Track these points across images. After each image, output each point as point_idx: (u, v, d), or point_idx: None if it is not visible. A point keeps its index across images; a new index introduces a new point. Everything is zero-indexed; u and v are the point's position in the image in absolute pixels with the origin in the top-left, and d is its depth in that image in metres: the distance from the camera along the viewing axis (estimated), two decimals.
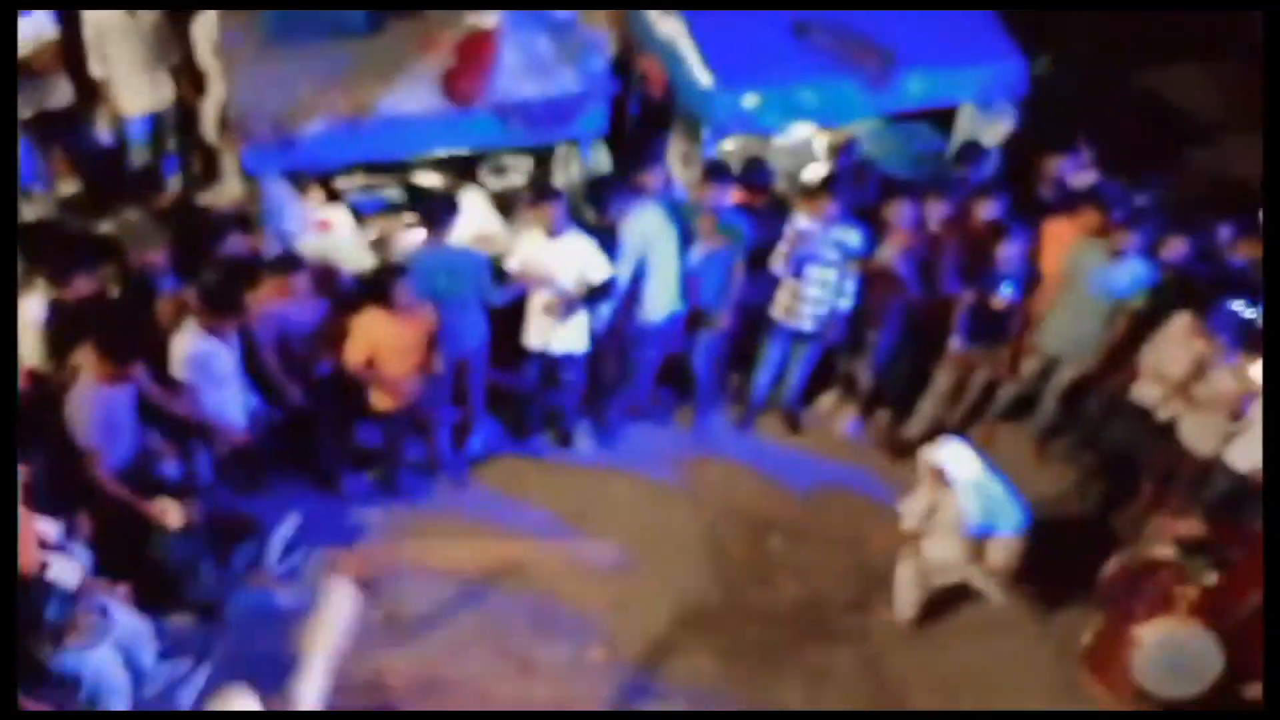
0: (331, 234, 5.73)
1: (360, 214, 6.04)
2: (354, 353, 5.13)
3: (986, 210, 5.64)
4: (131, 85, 6.36)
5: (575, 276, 5.45)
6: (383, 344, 5.13)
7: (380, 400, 5.37)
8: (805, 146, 6.62)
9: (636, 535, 5.65)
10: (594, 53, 5.69)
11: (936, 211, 5.66)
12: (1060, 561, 5.56)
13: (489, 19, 5.55)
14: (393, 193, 6.20)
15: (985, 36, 6.31)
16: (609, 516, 5.78)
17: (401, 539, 5.56)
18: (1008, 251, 5.50)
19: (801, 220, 5.67)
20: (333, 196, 6.01)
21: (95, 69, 6.24)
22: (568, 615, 5.28)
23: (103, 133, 6.67)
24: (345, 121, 5.42)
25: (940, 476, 4.90)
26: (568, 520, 5.74)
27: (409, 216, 6.03)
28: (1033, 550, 5.57)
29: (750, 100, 5.81)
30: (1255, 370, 4.98)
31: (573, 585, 5.40)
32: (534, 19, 5.88)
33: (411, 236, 5.83)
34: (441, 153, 6.06)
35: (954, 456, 4.92)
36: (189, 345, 4.77)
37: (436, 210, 5.39)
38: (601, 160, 6.19)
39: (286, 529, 5.31)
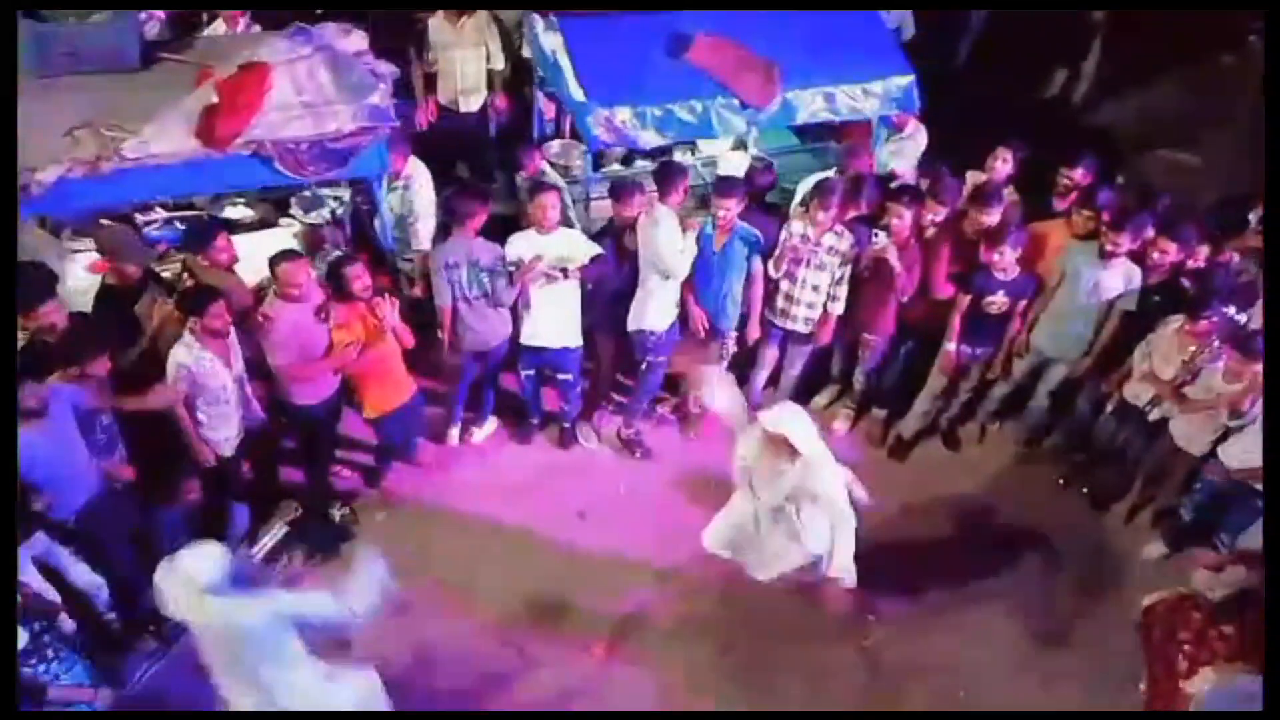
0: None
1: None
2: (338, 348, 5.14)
3: (985, 216, 5.69)
4: None
5: (566, 264, 5.56)
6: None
7: (373, 403, 5.45)
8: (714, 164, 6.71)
9: (636, 532, 5.73)
10: (374, 90, 5.28)
11: (932, 214, 5.72)
12: (1048, 558, 5.76)
13: (266, 52, 5.32)
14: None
15: (877, 52, 6.27)
16: (609, 513, 5.87)
17: (403, 533, 5.66)
18: (1003, 257, 5.56)
19: (795, 225, 5.77)
20: None
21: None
22: (570, 610, 5.36)
23: None
24: (86, 166, 4.78)
25: (787, 445, 4.47)
26: (569, 517, 5.82)
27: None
28: (1021, 547, 5.80)
29: (623, 115, 5.75)
30: (1247, 370, 5.06)
31: (574, 581, 5.47)
32: (320, 53, 5.43)
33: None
34: (200, 196, 5.89)
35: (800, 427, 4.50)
36: (181, 356, 4.73)
37: (193, 235, 5.31)
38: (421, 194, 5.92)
39: (277, 524, 5.35)
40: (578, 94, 5.86)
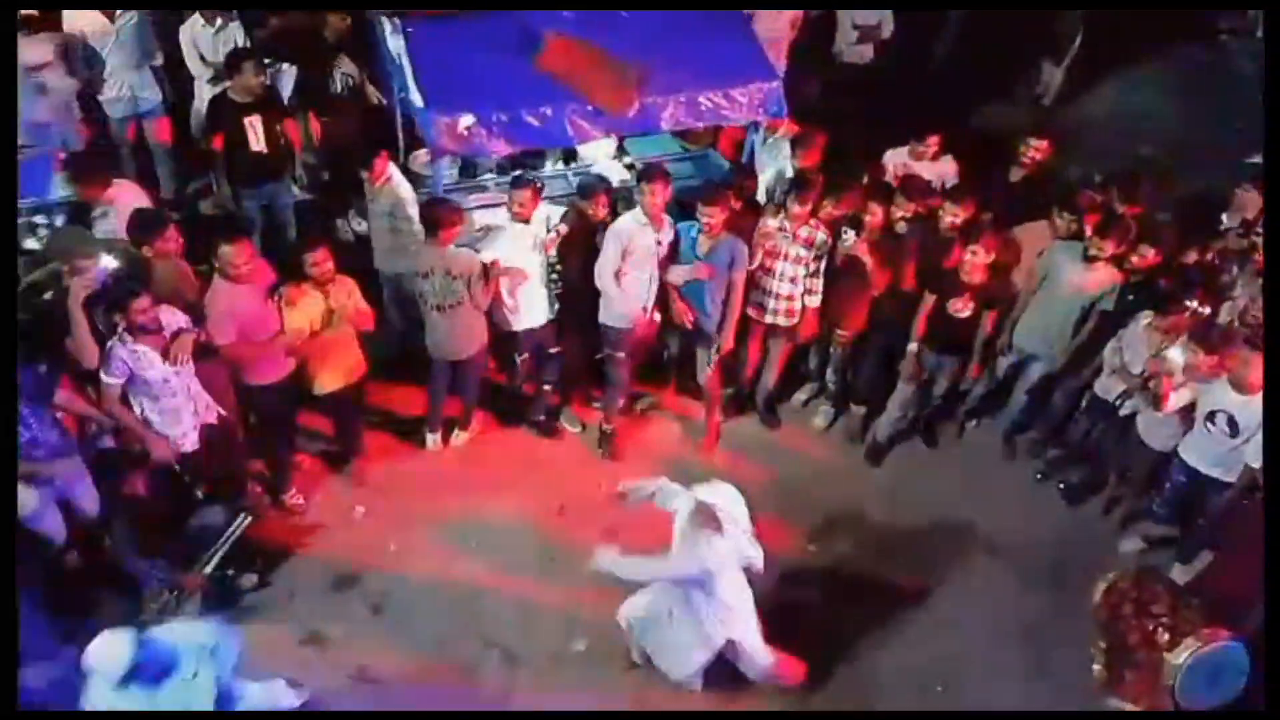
0: None
1: None
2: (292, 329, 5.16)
3: (954, 215, 5.74)
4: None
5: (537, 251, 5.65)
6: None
7: (324, 381, 5.46)
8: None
9: (617, 527, 5.71)
10: (35, 106, 5.03)
11: (904, 211, 5.78)
12: (1027, 553, 5.80)
13: None
14: None
15: (742, 56, 6.14)
16: (589, 509, 5.84)
17: (385, 530, 5.67)
18: (975, 256, 5.59)
19: (770, 220, 5.81)
20: None
21: (83, 72, 6.32)
22: (552, 607, 5.36)
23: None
24: None
25: (713, 518, 4.36)
26: (550, 513, 5.83)
27: None
28: (1000, 543, 5.85)
29: (466, 122, 5.56)
30: (1204, 364, 5.14)
31: (557, 576, 5.47)
32: None
33: None
34: None
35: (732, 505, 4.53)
36: (118, 351, 4.71)
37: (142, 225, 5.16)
38: None
39: (236, 529, 5.26)
40: (418, 99, 5.73)
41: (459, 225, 5.48)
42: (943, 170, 6.41)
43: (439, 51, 5.82)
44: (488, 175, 6.61)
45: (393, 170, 5.89)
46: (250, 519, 5.32)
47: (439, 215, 5.42)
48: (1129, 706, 4.58)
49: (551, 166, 6.67)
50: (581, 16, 6.07)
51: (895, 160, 6.50)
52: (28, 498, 4.56)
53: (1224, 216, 6.20)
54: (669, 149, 6.86)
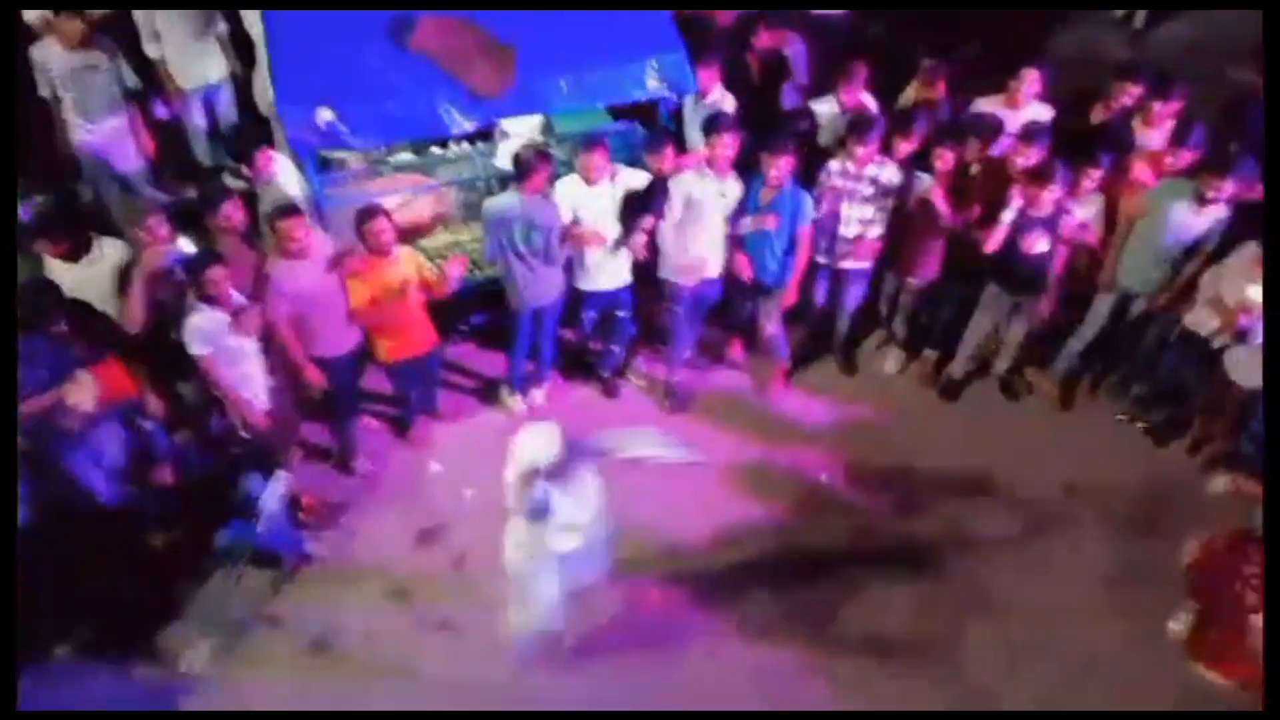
0: None
1: None
2: (357, 300, 5.24)
3: (1028, 155, 5.52)
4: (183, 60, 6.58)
5: (615, 214, 5.57)
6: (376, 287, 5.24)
7: (386, 350, 5.53)
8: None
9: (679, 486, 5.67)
10: None
11: (974, 153, 5.59)
12: (1111, 496, 5.67)
13: None
14: None
15: (637, 29, 5.68)
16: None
17: (461, 487, 5.77)
18: (1046, 197, 5.39)
19: (833, 164, 5.69)
20: None
21: (149, 49, 6.47)
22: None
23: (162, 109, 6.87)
24: None
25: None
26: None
27: None
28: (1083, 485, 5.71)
29: (325, 115, 5.23)
30: None
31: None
32: None
33: None
34: None
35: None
36: (195, 321, 4.88)
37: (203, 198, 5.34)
38: None
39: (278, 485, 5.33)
40: (270, 93, 5.50)
41: (545, 174, 5.39)
42: (1037, 115, 5.99)
43: (300, 41, 5.46)
44: (404, 155, 6.27)
45: (278, 167, 5.64)
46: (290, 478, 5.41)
47: (527, 161, 5.35)
48: (1208, 673, 4.50)
49: (456, 147, 6.26)
50: None
51: (988, 108, 6.09)
52: None
53: None
54: (599, 124, 6.25)
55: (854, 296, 6.19)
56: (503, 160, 6.08)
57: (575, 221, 5.53)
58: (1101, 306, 5.90)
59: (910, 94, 6.27)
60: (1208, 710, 4.55)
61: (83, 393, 4.67)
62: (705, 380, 6.43)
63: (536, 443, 4.20)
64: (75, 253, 5.11)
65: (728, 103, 6.03)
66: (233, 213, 5.21)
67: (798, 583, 5.32)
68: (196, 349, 4.91)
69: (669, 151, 5.62)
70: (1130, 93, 5.88)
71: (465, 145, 6.27)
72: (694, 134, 5.98)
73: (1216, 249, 5.43)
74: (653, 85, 5.69)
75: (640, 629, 5.09)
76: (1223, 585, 4.64)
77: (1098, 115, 6.03)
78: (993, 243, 5.52)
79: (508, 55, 5.45)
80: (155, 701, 4.87)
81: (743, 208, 5.61)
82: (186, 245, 5.27)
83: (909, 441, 6.01)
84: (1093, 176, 5.44)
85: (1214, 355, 5.49)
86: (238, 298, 4.99)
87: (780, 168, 5.41)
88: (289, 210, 5.11)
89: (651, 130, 5.96)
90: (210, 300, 4.86)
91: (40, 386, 4.65)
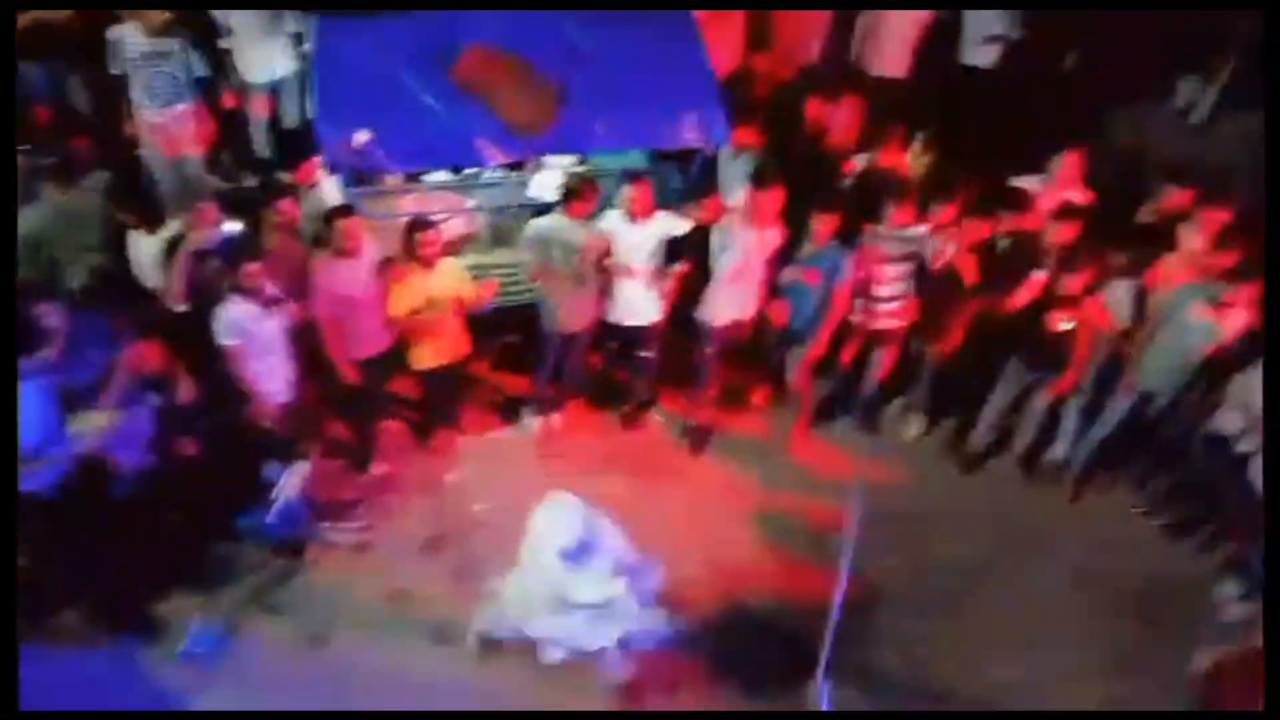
0: None
1: None
2: (398, 307, 5.34)
3: (1060, 233, 5.56)
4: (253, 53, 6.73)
5: (652, 253, 5.64)
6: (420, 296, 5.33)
7: (420, 357, 5.61)
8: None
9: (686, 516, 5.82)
10: None
11: (1006, 225, 5.64)
12: (1117, 583, 5.62)
13: None
14: None
15: (682, 80, 5.60)
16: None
17: (472, 500, 5.84)
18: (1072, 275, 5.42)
19: (879, 227, 5.73)
20: None
21: (222, 41, 6.65)
22: None
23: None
24: None
25: None
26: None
27: None
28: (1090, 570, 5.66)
29: (361, 137, 5.17)
30: None
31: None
32: None
33: None
34: None
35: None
36: (230, 313, 5.02)
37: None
38: None
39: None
40: (311, 110, 5.51)
41: (591, 201, 5.50)
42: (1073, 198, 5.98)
43: (344, 57, 5.47)
44: (440, 175, 6.31)
45: (321, 175, 5.72)
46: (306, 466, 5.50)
47: (575, 187, 5.48)
48: None
49: (491, 173, 6.22)
50: (511, 24, 5.54)
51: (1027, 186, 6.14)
52: None
53: None
54: (636, 163, 6.14)
55: (882, 358, 6.21)
56: (535, 190, 6.14)
57: (610, 253, 5.61)
58: (1123, 402, 5.86)
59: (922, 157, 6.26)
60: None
61: None
62: (726, 422, 6.45)
63: (557, 526, 4.44)
64: (151, 224, 5.32)
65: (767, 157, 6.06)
66: (288, 208, 5.34)
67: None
68: (225, 339, 5.02)
69: (715, 201, 5.71)
70: (1179, 197, 5.84)
71: (500, 171, 6.31)
72: (728, 183, 6.03)
73: (1247, 353, 5.38)
74: (689, 136, 5.64)
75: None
76: (1234, 704, 4.60)
77: (1145, 215, 6.01)
78: (1017, 300, 5.54)
79: (550, 93, 5.36)
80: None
81: (784, 257, 5.67)
82: (231, 226, 5.38)
83: (922, 507, 5.96)
84: (1121, 262, 5.45)
85: (1239, 460, 5.42)
86: (271, 290, 5.09)
87: (825, 224, 5.49)
88: (347, 210, 5.23)
89: (687, 176, 6.04)
90: (244, 293, 4.98)
91: (94, 366, 4.88)
